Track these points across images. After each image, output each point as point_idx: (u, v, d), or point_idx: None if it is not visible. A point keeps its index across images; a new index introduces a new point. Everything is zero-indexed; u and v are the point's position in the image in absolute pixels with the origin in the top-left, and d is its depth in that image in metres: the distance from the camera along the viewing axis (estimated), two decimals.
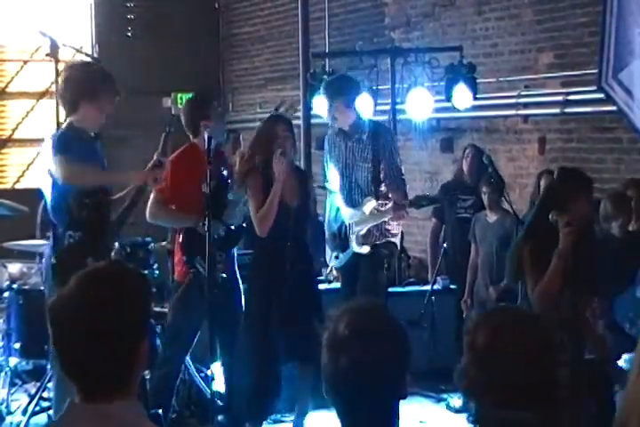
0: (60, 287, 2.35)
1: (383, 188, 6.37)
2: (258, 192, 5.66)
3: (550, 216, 4.70)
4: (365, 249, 6.33)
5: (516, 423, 2.10)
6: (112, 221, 5.25)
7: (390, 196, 6.33)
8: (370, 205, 6.29)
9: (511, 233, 6.58)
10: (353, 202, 6.40)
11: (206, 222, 5.43)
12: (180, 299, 5.92)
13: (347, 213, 6.43)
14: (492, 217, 7.49)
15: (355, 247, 6.36)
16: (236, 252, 6.21)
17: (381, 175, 6.35)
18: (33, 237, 7.11)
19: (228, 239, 5.80)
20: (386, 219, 6.34)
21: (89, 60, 5.90)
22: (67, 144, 5.20)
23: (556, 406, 2.38)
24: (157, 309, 6.10)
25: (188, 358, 6.34)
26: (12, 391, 6.57)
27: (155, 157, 5.36)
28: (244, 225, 6.11)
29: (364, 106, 7.62)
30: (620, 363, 5.65)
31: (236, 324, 5.96)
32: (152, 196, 5.87)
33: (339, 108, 6.37)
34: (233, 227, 5.93)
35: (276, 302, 5.66)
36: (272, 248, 5.62)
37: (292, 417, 6.29)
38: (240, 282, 6.07)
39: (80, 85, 5.30)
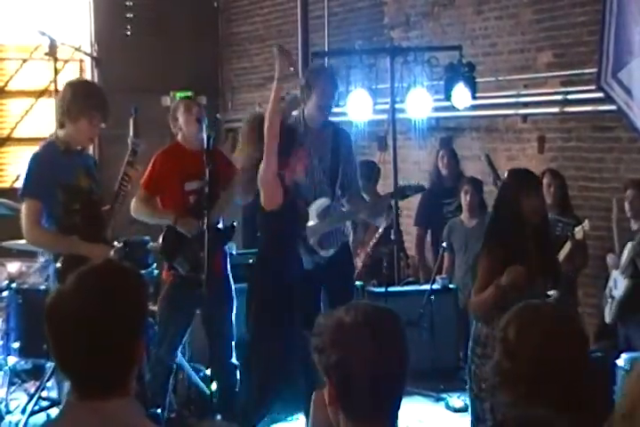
0: None
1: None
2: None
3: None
4: (331, 252, 6.08)
5: (540, 422, 2.12)
6: (105, 217, 5.21)
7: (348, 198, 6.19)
8: (321, 204, 6.09)
9: None
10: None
11: (205, 221, 5.47)
12: (163, 300, 6.05)
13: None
14: (470, 222, 7.34)
15: (321, 252, 6.04)
16: (229, 251, 6.20)
17: (339, 177, 6.17)
18: None
19: (216, 238, 5.78)
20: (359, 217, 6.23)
21: (90, 80, 5.79)
22: (33, 181, 5.07)
23: (582, 404, 2.42)
24: (155, 308, 6.11)
25: (187, 358, 6.34)
26: (11, 391, 6.57)
27: (129, 142, 5.31)
28: (235, 224, 6.12)
29: (363, 105, 7.64)
30: (620, 363, 5.66)
31: (226, 323, 5.96)
32: (137, 192, 5.98)
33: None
34: (220, 226, 5.97)
35: (290, 303, 5.46)
36: (281, 244, 5.50)
37: (292, 417, 6.29)
38: (232, 281, 6.07)
39: (65, 105, 5.10)
